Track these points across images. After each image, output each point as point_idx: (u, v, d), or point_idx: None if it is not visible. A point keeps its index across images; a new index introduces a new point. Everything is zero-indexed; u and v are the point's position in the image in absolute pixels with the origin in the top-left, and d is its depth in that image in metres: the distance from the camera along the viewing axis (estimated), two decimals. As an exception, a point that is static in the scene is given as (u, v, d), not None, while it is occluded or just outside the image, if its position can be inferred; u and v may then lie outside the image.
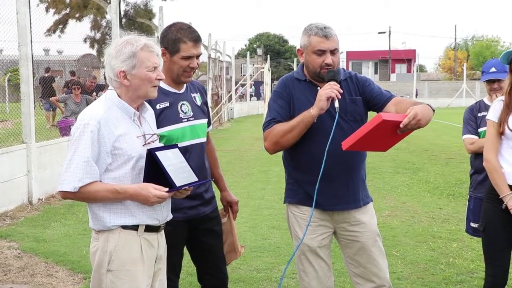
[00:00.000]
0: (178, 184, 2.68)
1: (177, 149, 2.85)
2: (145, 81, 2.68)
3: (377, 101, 3.27)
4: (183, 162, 2.81)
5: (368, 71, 51.19)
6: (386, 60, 65.85)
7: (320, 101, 3.00)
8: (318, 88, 3.16)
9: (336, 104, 3.01)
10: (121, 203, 2.66)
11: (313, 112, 3.03)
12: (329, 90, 2.99)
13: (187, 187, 2.76)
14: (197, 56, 3.18)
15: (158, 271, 2.85)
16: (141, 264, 2.71)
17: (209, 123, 3.52)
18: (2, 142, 9.30)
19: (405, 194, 8.90)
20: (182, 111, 3.21)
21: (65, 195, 2.62)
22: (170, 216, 2.89)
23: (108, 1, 11.43)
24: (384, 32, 68.19)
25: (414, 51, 68.16)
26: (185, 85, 3.31)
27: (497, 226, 3.45)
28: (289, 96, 3.26)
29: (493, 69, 4.23)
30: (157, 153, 2.67)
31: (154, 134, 2.82)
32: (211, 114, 3.62)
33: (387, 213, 7.54)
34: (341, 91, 3.04)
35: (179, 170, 2.73)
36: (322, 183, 3.09)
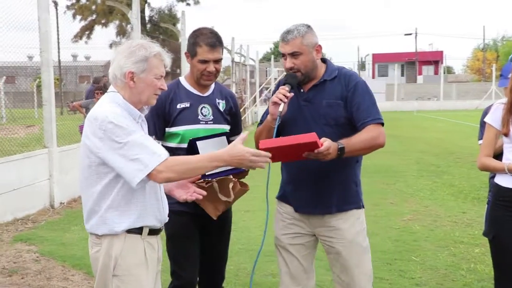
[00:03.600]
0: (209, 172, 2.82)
1: (224, 137, 3.01)
2: (150, 87, 2.66)
3: (354, 119, 3.12)
4: None
5: (394, 73, 50.73)
6: (413, 62, 65.16)
7: (270, 107, 3.05)
8: (302, 90, 3.20)
9: (281, 108, 3.00)
10: (129, 205, 2.61)
11: (268, 117, 3.10)
12: (275, 96, 3.01)
13: (224, 175, 2.90)
14: (216, 61, 3.23)
15: (158, 273, 2.86)
16: (145, 267, 2.70)
17: (238, 131, 3.52)
18: (26, 147, 9.43)
19: (428, 198, 8.75)
20: (202, 113, 3.28)
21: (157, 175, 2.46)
22: (167, 219, 2.86)
23: (131, 7, 11.52)
24: (411, 34, 67.58)
25: (441, 52, 67.35)
26: (211, 89, 3.39)
27: (508, 234, 3.26)
28: None
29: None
30: (198, 142, 2.89)
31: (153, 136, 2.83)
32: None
33: (408, 217, 7.42)
34: (288, 95, 3.01)
35: None
36: (292, 184, 3.21)
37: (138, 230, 2.67)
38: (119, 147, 2.47)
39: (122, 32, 37.77)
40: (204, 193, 2.97)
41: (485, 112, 4.34)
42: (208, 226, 3.36)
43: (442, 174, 11.05)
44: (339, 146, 2.92)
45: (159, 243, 2.83)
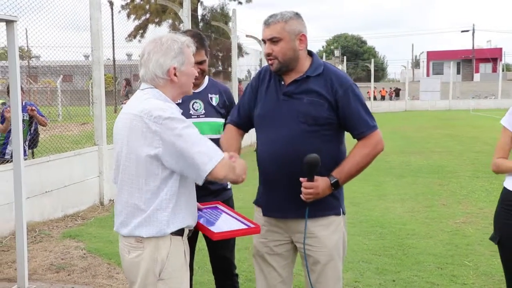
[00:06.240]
0: None
1: None
2: (191, 77, 2.67)
3: (351, 127, 2.92)
4: None
5: (449, 72, 49.52)
6: (470, 60, 63.46)
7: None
8: (282, 82, 2.94)
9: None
10: (176, 205, 2.54)
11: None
12: (305, 195, 2.82)
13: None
14: (199, 63, 3.36)
15: None
16: (186, 268, 2.66)
17: None
18: (77, 144, 9.60)
19: (483, 200, 8.39)
20: (193, 108, 3.50)
21: (219, 171, 2.45)
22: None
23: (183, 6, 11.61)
24: (468, 31, 65.89)
25: (500, 49, 65.37)
26: (204, 85, 3.59)
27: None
28: (255, 89, 3.10)
29: None
30: None
31: None
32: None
33: (461, 219, 7.14)
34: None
35: None
36: (265, 187, 2.98)
37: (180, 232, 2.60)
38: (183, 141, 2.42)
39: (175, 30, 38.26)
40: None
41: None
42: None
43: (499, 175, 10.59)
44: (332, 182, 2.81)
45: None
